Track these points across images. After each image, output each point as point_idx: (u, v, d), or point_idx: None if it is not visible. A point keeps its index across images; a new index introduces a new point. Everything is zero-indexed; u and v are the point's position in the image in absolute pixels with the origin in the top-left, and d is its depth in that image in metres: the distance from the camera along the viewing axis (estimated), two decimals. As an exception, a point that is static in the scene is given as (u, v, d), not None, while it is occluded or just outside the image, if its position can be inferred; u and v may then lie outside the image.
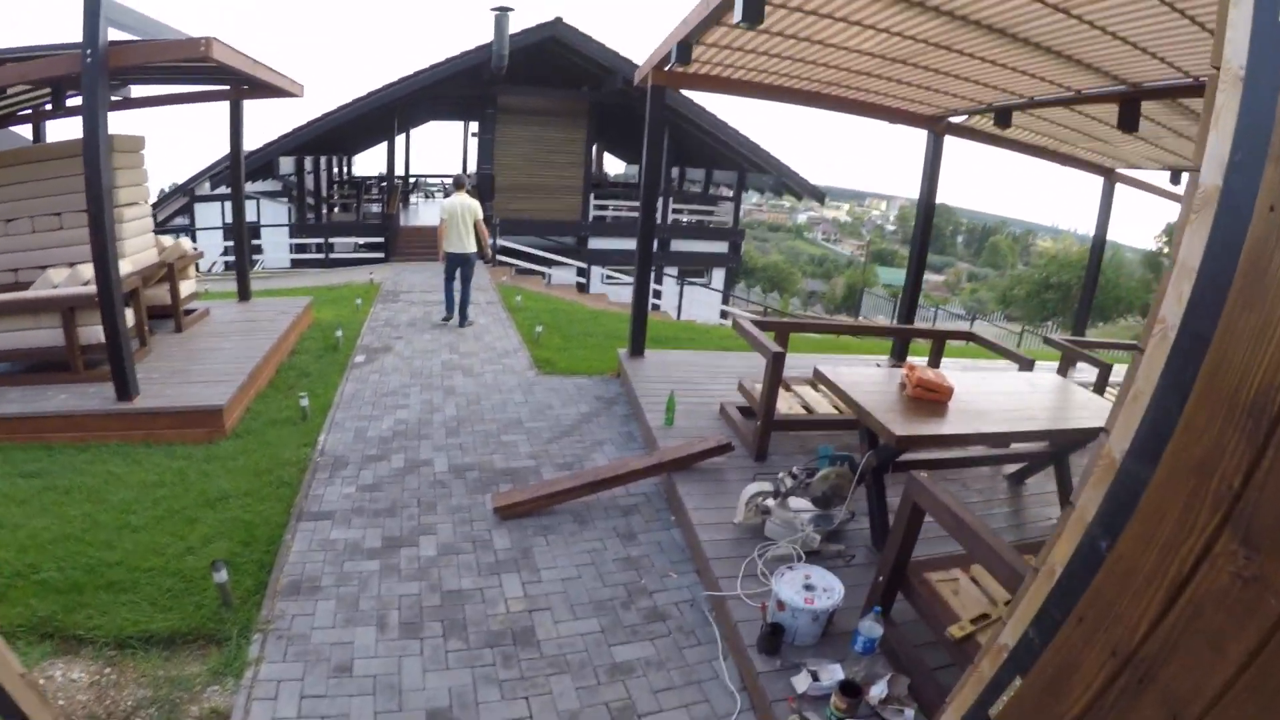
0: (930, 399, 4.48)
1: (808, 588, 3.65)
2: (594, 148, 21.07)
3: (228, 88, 8.99)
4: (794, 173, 21.51)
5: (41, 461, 5.74)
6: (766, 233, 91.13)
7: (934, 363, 7.13)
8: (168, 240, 8.82)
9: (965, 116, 7.99)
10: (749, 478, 5.18)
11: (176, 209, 25.76)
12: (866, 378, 4.87)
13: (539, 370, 8.33)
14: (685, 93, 18.09)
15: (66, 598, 4.05)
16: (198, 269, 10.35)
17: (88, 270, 6.85)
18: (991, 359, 9.98)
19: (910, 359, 7.25)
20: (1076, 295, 28.05)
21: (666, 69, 6.99)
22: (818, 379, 4.86)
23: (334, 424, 6.69)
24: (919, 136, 8.35)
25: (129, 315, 7.14)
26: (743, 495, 4.65)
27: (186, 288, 8.98)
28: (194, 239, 21.13)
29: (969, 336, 7.33)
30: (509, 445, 6.27)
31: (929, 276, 77.85)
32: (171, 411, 6.29)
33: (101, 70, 5.56)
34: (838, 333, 9.04)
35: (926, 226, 8.76)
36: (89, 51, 5.48)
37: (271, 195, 23.13)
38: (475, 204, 10.04)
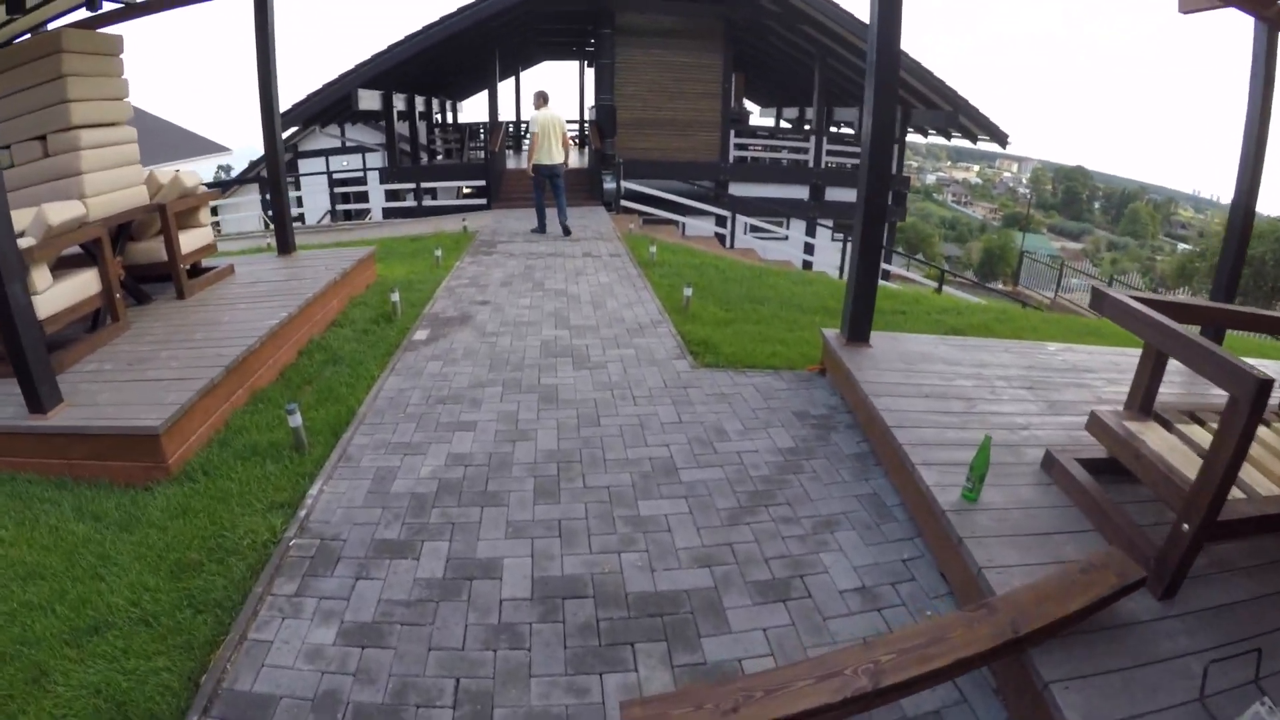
0: None
1: None
2: (732, 77, 17.51)
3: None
4: (975, 109, 17.29)
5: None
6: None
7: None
8: (165, 174, 6.26)
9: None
10: (1170, 650, 2.14)
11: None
12: None
13: (694, 359, 5.26)
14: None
15: None
16: (217, 217, 7.88)
17: (55, 212, 4.70)
18: None
19: None
20: (1273, 272, 24.60)
21: None
22: None
23: (344, 460, 3.89)
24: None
25: (88, 278, 5.09)
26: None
27: (193, 239, 6.54)
28: (299, 193, 19.06)
29: None
30: (652, 527, 3.23)
31: (1066, 244, 72.57)
32: (92, 434, 3.88)
33: None
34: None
35: (1255, 171, 5.02)
36: None
37: (381, 147, 20.88)
38: (562, 118, 10.70)
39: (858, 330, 4.91)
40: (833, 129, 22.78)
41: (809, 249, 16.29)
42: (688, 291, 6.38)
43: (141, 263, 6.13)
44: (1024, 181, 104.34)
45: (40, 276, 4.66)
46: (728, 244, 14.94)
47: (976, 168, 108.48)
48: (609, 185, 14.32)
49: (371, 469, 3.73)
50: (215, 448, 4.06)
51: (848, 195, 17.97)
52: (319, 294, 6.10)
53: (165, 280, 6.26)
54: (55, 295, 4.77)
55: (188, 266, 6.58)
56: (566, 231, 10.44)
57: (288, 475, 3.71)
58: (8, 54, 5.37)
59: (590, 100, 25.50)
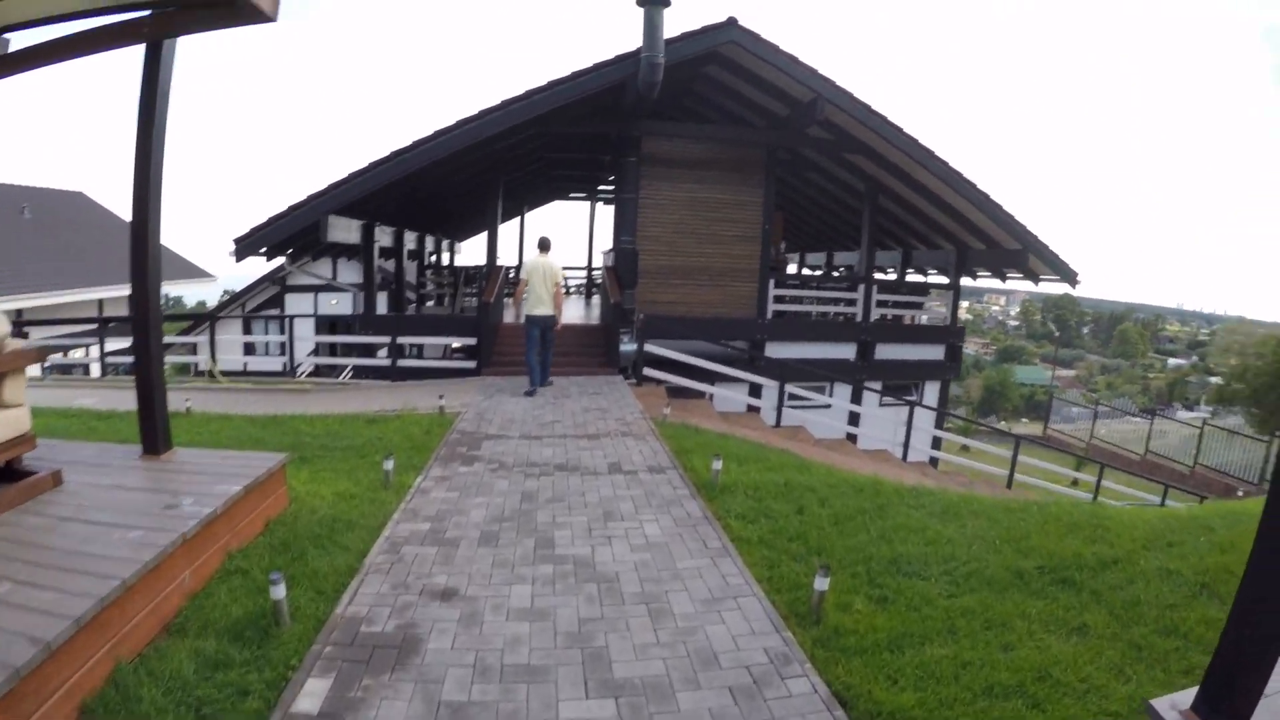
0: None
1: None
2: (772, 217, 15.17)
3: (147, 12, 4.39)
4: (1047, 247, 14.86)
5: None
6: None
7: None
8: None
9: None
10: None
11: (266, 299, 21.83)
12: None
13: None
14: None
15: None
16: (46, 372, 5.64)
17: None
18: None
19: None
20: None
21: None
22: None
23: None
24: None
25: None
26: None
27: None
28: (282, 337, 15.82)
29: None
30: None
31: (1060, 372, 74.62)
32: None
33: None
34: None
35: None
36: None
37: (356, 289, 18.49)
38: (557, 265, 10.18)
39: (1243, 708, 2.27)
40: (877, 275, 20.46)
41: (854, 419, 13.66)
42: (820, 585, 3.57)
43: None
44: (1012, 314, 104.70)
45: None
46: (771, 419, 12.11)
47: (966, 304, 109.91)
48: (627, 348, 11.79)
49: None
50: None
51: (898, 353, 15.59)
52: (156, 563, 3.37)
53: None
54: None
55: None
56: (544, 382, 10.12)
57: None
58: None
59: (599, 245, 23.42)
